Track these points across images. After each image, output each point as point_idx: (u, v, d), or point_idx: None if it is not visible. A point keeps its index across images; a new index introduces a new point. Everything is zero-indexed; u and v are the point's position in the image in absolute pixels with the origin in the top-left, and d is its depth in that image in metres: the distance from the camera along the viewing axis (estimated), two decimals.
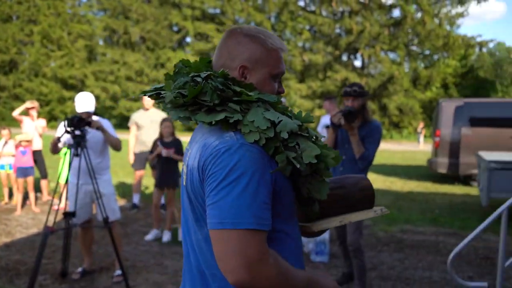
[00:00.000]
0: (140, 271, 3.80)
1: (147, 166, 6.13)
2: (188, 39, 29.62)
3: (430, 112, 22.51)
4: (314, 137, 1.06)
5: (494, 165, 5.56)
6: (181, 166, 1.20)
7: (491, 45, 26.91)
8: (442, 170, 8.76)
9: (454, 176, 8.86)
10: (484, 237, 4.95)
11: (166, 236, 4.69)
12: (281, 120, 1.00)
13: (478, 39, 25.89)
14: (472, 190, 8.08)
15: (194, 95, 1.02)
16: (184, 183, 1.10)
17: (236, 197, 0.93)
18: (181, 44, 30.13)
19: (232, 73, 1.09)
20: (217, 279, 1.03)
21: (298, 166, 1.00)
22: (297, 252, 1.10)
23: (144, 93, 1.14)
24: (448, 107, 8.79)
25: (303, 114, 1.08)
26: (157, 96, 1.12)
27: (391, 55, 27.12)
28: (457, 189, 8.22)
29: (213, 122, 1.01)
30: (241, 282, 0.93)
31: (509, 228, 2.31)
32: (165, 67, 27.07)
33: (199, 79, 1.04)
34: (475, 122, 8.52)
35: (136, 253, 4.28)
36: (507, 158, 5.88)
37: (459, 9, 26.28)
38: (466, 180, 8.78)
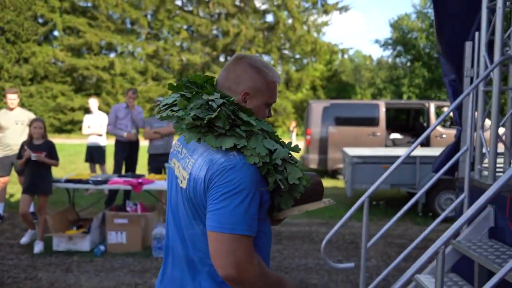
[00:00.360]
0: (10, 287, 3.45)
1: (13, 171, 5.54)
2: (56, 33, 27.24)
3: (301, 112, 24.15)
4: (297, 163, 1.28)
5: (356, 160, 6.25)
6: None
7: (351, 52, 29.99)
8: (313, 165, 9.52)
9: (323, 171, 9.68)
10: (349, 224, 5.53)
11: (38, 247, 4.30)
12: (276, 149, 1.22)
13: (341, 46, 28.57)
14: (339, 183, 8.93)
15: (209, 119, 1.18)
16: (184, 186, 1.25)
17: (234, 207, 1.13)
18: (47, 38, 27.54)
19: (235, 95, 1.28)
20: (207, 264, 1.23)
21: (282, 187, 1.22)
22: (269, 245, 1.34)
23: (158, 110, 1.31)
24: (317, 108, 9.57)
25: (293, 144, 1.32)
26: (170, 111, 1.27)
27: (266, 58, 28.43)
28: (326, 183, 9.02)
29: (223, 148, 1.18)
30: (230, 277, 1.14)
31: (369, 215, 2.64)
32: (30, 62, 24.46)
33: (214, 105, 1.20)
34: (340, 121, 9.43)
35: (3, 268, 3.86)
36: (367, 153, 6.65)
37: (324, 18, 28.73)
38: (334, 174, 9.67)
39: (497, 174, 2.74)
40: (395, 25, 24.31)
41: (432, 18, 22.72)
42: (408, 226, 5.60)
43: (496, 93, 2.70)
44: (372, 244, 2.67)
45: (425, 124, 10.01)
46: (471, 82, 2.96)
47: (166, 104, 1.29)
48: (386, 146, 9.35)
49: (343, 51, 28.69)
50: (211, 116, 1.18)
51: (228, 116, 1.20)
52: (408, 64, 24.37)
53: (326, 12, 27.56)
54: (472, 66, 2.99)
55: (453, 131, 9.18)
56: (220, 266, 1.15)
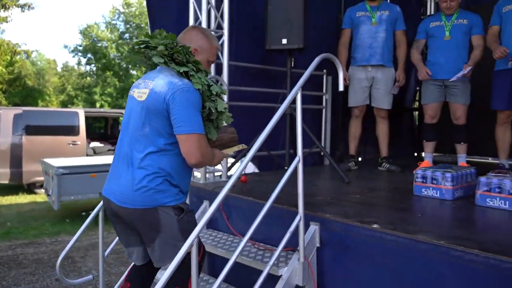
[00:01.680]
0: None
1: None
2: None
3: None
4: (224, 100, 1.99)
5: (62, 170, 5.89)
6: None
7: (34, 54, 27.50)
8: (4, 180, 8.29)
9: (18, 186, 8.58)
10: (60, 239, 5.18)
11: None
12: (212, 84, 1.90)
13: (24, 47, 25.79)
14: (38, 197, 8.13)
15: (174, 52, 1.86)
16: (143, 99, 1.82)
17: (195, 117, 1.78)
18: None
19: None
20: (142, 162, 1.79)
21: (213, 111, 1.89)
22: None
23: (137, 43, 1.92)
24: (6, 115, 8.41)
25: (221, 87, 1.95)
26: (146, 46, 1.90)
27: None
28: (23, 198, 8.03)
29: (181, 71, 1.84)
30: (199, 162, 1.82)
31: (80, 226, 2.59)
32: None
33: (177, 45, 1.88)
34: (35, 130, 8.58)
35: None
36: (73, 163, 6.36)
37: (3, 13, 25.19)
38: (31, 188, 8.71)
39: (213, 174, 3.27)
40: (85, 33, 23.92)
41: (121, 30, 23.57)
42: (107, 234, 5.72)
43: None
44: (108, 253, 2.68)
45: None
46: None
47: (141, 42, 1.91)
48: (87, 155, 9.16)
49: (28, 53, 25.98)
50: (177, 49, 1.85)
51: (185, 53, 1.87)
52: (99, 72, 24.42)
53: (5, 7, 24.25)
54: None
55: None
56: (193, 156, 1.79)
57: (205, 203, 3.07)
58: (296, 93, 2.21)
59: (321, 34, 4.40)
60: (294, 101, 2.22)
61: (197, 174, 3.41)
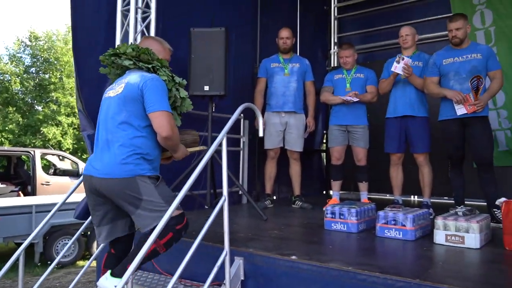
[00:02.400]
0: None
1: None
2: None
3: None
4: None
5: None
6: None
7: None
8: None
9: None
10: None
11: None
12: (174, 76, 2.38)
13: None
14: None
15: (141, 53, 2.31)
16: (120, 91, 2.22)
17: (163, 98, 2.19)
18: None
19: None
20: (118, 142, 2.15)
21: (178, 97, 2.38)
22: None
23: (105, 55, 2.39)
24: None
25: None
26: (114, 54, 2.37)
27: None
28: None
29: (150, 67, 2.33)
30: (169, 136, 2.16)
31: None
32: None
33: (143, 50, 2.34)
34: None
35: None
36: None
37: None
38: None
39: None
40: None
41: (27, 63, 22.28)
42: (27, 279, 5.33)
43: None
44: None
45: (30, 172, 9.71)
46: None
47: (109, 53, 2.37)
48: None
49: None
50: (143, 50, 2.32)
51: (150, 53, 2.33)
52: (0, 108, 22.57)
53: None
54: None
55: (58, 178, 9.45)
56: (164, 130, 2.14)
57: None
58: (222, 137, 2.42)
59: (239, 81, 4.74)
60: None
61: None
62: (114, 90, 2.27)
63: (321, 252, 2.48)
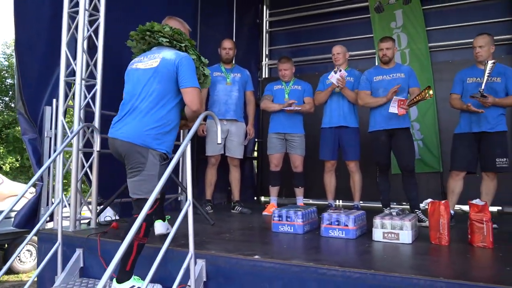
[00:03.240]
0: None
1: None
2: None
3: None
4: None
5: None
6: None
7: None
8: None
9: None
10: None
11: None
12: (200, 56, 2.80)
13: None
14: None
15: (174, 33, 2.67)
16: (155, 65, 2.53)
17: (194, 76, 2.53)
18: None
19: None
20: (151, 110, 2.47)
21: (202, 75, 2.80)
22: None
23: (141, 30, 2.72)
24: None
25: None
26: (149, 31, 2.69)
27: None
28: None
29: (183, 46, 2.70)
30: (198, 109, 2.53)
31: None
32: None
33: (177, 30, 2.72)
34: None
35: None
36: None
37: None
38: None
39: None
40: None
41: None
42: None
43: (76, 153, 3.22)
44: None
45: None
46: (53, 142, 3.34)
47: (144, 30, 2.70)
48: None
49: None
50: (176, 30, 2.69)
51: (181, 33, 2.70)
52: None
53: None
54: (51, 128, 3.37)
55: None
56: (195, 104, 2.50)
57: (78, 251, 3.00)
58: (186, 145, 2.51)
59: None
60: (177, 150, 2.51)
61: (66, 222, 3.30)
62: (144, 63, 2.58)
63: (278, 252, 2.66)
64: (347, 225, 3.08)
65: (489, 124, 3.62)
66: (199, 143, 5.07)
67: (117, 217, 4.17)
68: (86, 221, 3.48)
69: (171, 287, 2.22)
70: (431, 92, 3.61)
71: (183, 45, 2.70)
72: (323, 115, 4.50)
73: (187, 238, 2.46)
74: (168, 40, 2.66)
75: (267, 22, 6.87)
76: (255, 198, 6.40)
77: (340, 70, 4.19)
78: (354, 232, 3.08)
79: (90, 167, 3.41)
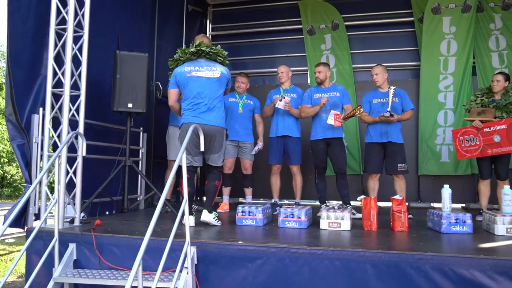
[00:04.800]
0: None
1: None
2: None
3: None
4: None
5: None
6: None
7: None
8: None
9: None
10: None
11: None
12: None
13: None
14: None
15: (217, 50, 3.99)
16: (218, 75, 3.88)
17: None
18: None
19: None
20: (217, 104, 3.91)
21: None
22: None
23: (196, 47, 3.91)
24: None
25: None
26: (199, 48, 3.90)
27: None
28: None
29: (223, 60, 4.03)
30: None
31: None
32: None
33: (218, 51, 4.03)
34: None
35: None
36: None
37: None
38: None
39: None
40: None
41: None
42: None
43: (65, 158, 3.60)
44: None
45: None
46: (40, 147, 3.68)
47: (197, 47, 3.90)
48: None
49: None
50: (217, 49, 3.99)
51: (220, 50, 4.00)
52: None
53: None
54: (39, 134, 3.70)
55: None
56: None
57: (72, 246, 3.39)
58: (182, 153, 3.08)
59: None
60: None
61: (50, 221, 3.66)
62: (203, 72, 3.85)
63: (253, 239, 3.35)
64: (300, 217, 3.87)
65: (394, 136, 4.72)
66: (156, 145, 5.56)
67: (86, 217, 4.54)
68: (68, 220, 3.82)
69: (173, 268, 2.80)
70: (361, 110, 4.54)
71: (222, 59, 3.98)
72: (271, 126, 5.27)
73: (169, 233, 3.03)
74: (221, 59, 3.98)
75: (210, 36, 7.49)
76: (198, 198, 6.98)
77: (284, 97, 4.97)
78: (306, 223, 3.87)
79: (75, 170, 3.79)
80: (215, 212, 4.02)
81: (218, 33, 7.55)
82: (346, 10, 6.86)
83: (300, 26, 7.03)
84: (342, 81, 6.63)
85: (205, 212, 3.92)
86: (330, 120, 4.68)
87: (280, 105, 4.96)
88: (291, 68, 6.25)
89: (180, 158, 2.82)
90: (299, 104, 5.12)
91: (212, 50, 3.91)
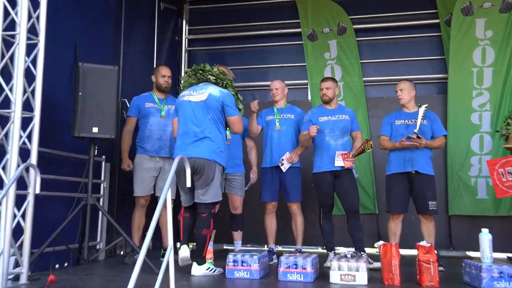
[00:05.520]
0: None
1: None
2: None
3: None
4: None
5: None
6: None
7: None
8: None
9: None
10: None
11: None
12: (237, 93, 4.62)
13: None
14: None
15: (220, 73, 4.60)
16: (204, 98, 4.31)
17: (235, 107, 4.46)
18: None
19: None
20: (206, 134, 4.27)
21: (239, 107, 4.55)
22: None
23: (196, 69, 4.59)
24: None
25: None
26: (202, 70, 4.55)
27: None
28: None
29: (224, 84, 4.54)
30: (241, 130, 4.60)
31: None
32: None
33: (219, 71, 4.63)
34: None
35: None
36: None
37: None
38: None
39: None
40: None
41: None
42: None
43: (13, 198, 3.72)
44: None
45: None
46: None
47: (198, 69, 4.58)
48: None
49: None
50: (221, 71, 4.61)
51: (224, 74, 4.63)
52: None
53: None
54: None
55: None
56: (238, 129, 4.50)
57: None
58: (167, 190, 3.24)
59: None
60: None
61: None
62: (194, 96, 4.33)
63: None
64: (305, 268, 4.04)
65: (421, 164, 4.90)
66: (120, 178, 5.68)
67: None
68: (11, 276, 3.80)
69: None
70: (371, 143, 4.79)
71: (224, 82, 4.47)
72: (264, 154, 5.47)
73: None
74: (214, 78, 4.44)
75: (186, 40, 7.75)
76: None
77: (283, 159, 5.22)
78: (312, 275, 4.04)
79: (24, 212, 3.88)
80: (209, 261, 4.32)
81: (196, 36, 7.81)
82: (355, 10, 7.14)
83: (299, 30, 7.30)
84: (351, 98, 6.89)
85: (194, 265, 4.23)
86: (339, 162, 4.93)
87: (284, 167, 5.21)
88: (288, 82, 6.28)
89: (165, 195, 2.98)
90: (296, 128, 5.37)
91: (211, 72, 4.52)
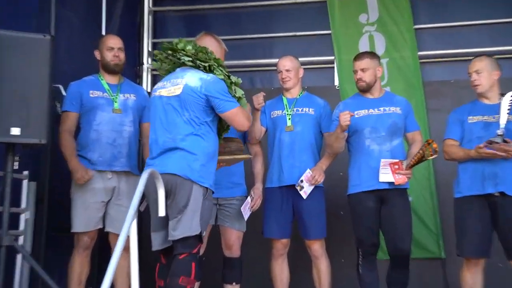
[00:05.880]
0: None
1: None
2: None
3: None
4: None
5: None
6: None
7: None
8: None
9: None
10: None
11: None
12: (230, 75, 4.37)
13: None
14: None
15: (199, 51, 4.30)
16: (178, 92, 4.18)
17: (229, 96, 4.24)
18: None
19: None
20: (178, 144, 4.14)
21: (235, 96, 4.33)
22: None
23: (164, 49, 4.45)
24: None
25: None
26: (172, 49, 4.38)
27: None
28: None
29: (206, 66, 4.30)
30: (248, 126, 4.44)
31: None
32: None
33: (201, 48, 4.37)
34: None
35: None
36: None
37: None
38: None
39: None
40: None
41: None
42: None
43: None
44: None
45: None
46: None
47: (167, 48, 4.41)
48: None
49: None
50: (201, 48, 4.32)
51: (207, 52, 4.31)
52: None
53: None
54: None
55: None
56: (245, 126, 4.36)
57: None
58: (132, 220, 3.23)
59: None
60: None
61: None
62: (166, 89, 4.27)
63: None
64: None
65: (509, 183, 4.68)
66: (52, 210, 5.58)
67: None
68: None
69: None
70: (434, 145, 4.61)
71: (206, 65, 4.27)
72: (269, 168, 5.41)
73: None
74: (191, 59, 4.27)
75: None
76: None
77: (302, 181, 5.09)
78: None
79: None
80: None
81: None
82: None
83: None
84: (399, 82, 6.86)
85: None
86: (385, 176, 4.84)
87: (307, 191, 5.07)
88: (303, 59, 6.23)
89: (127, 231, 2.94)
90: (317, 129, 5.34)
91: (184, 51, 4.31)
